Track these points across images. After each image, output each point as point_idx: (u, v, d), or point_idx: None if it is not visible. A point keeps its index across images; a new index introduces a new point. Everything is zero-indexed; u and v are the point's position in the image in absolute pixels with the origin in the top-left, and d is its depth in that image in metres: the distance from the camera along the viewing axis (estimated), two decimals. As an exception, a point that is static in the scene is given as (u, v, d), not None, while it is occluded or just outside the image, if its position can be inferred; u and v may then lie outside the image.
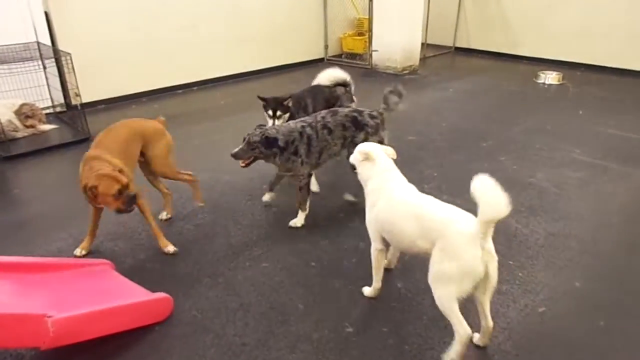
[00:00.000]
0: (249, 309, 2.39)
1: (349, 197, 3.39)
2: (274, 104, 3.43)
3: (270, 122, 3.44)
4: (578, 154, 4.15)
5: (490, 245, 1.94)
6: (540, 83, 6.50)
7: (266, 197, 3.39)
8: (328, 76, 3.99)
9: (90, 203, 2.56)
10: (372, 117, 3.13)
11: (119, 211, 2.51)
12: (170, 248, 2.81)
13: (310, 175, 3.14)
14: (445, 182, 3.66)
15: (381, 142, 3.03)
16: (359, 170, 2.37)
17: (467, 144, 4.42)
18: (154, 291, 2.36)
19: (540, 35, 7.51)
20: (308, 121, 3.04)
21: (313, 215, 3.18)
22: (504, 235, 2.99)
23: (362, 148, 2.35)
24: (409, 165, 3.94)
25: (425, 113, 5.32)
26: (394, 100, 3.22)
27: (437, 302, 1.97)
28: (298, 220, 3.12)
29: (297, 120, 3.10)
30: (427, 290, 2.03)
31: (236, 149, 2.85)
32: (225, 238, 2.99)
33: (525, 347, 2.16)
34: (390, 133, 4.58)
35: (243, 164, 2.90)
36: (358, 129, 3.08)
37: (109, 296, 2.21)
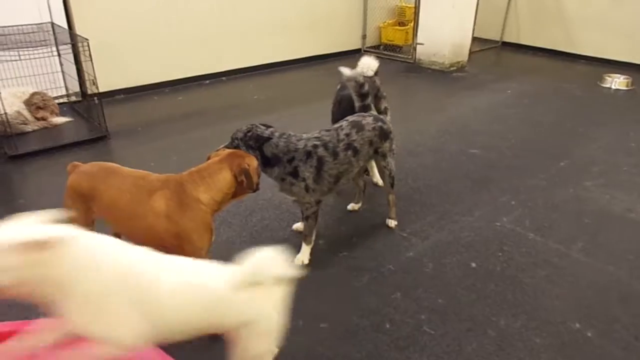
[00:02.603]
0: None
1: (353, 206, 3.05)
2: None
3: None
4: (677, 181, 3.52)
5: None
6: (606, 87, 5.80)
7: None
8: (369, 65, 3.35)
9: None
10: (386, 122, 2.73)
11: (256, 188, 2.01)
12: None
13: (318, 203, 2.49)
14: (528, 214, 3.04)
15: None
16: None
17: (542, 162, 3.79)
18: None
19: (603, 32, 6.75)
20: (325, 139, 2.40)
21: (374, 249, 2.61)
22: (617, 292, 2.39)
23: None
24: (478, 188, 3.35)
25: (486, 120, 4.68)
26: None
27: None
28: (302, 255, 2.55)
29: (312, 133, 2.43)
30: None
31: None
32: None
33: None
34: (450, 145, 4.02)
35: None
36: (383, 139, 2.64)
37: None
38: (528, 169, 3.65)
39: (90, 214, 2.00)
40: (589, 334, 2.14)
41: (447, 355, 2.00)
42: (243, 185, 1.92)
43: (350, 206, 3.06)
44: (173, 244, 1.84)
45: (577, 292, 2.40)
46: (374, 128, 2.56)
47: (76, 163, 2.09)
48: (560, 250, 2.70)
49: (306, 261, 2.54)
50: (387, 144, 2.67)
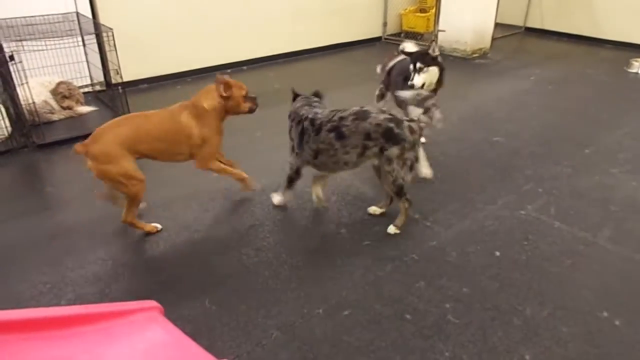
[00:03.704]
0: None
1: (375, 210, 2.91)
2: (415, 56, 3.07)
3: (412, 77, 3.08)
4: None
5: None
6: (633, 72, 5.65)
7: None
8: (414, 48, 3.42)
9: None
10: (412, 130, 2.47)
11: (251, 110, 2.89)
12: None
13: (297, 172, 2.80)
14: (554, 202, 2.99)
15: (416, 159, 2.59)
16: None
17: (566, 149, 3.72)
18: (213, 352, 1.84)
19: (629, 16, 6.56)
20: (319, 115, 2.59)
21: (399, 244, 2.61)
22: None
23: None
24: (501, 176, 3.31)
25: (509, 107, 4.60)
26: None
27: None
28: (275, 196, 2.98)
29: (320, 107, 2.72)
30: None
31: None
32: (290, 269, 2.45)
33: None
34: (472, 133, 3.96)
35: None
36: (391, 142, 2.46)
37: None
38: (552, 157, 3.59)
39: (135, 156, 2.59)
40: (617, 323, 2.11)
41: (472, 344, 1.99)
42: (229, 100, 2.75)
43: (372, 209, 2.89)
44: (200, 145, 2.71)
45: (604, 280, 2.36)
46: (378, 124, 2.43)
47: (84, 142, 2.51)
48: (586, 238, 2.66)
49: (275, 202, 2.97)
50: (395, 150, 2.45)
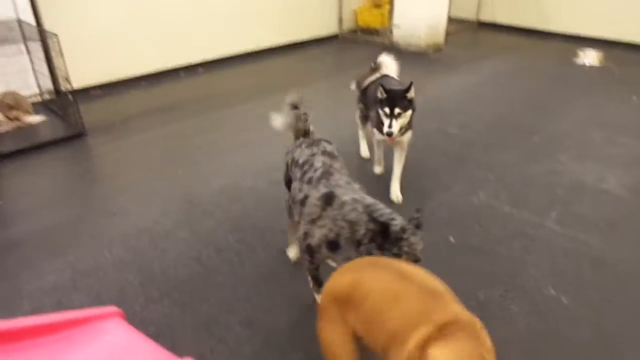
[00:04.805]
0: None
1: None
2: (392, 100, 2.72)
3: (386, 122, 2.74)
4: (647, 151, 3.63)
5: None
6: (579, 64, 5.91)
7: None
8: (390, 65, 3.28)
9: None
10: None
11: None
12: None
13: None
14: (503, 188, 3.12)
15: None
16: None
17: (517, 138, 3.87)
18: (177, 352, 1.84)
19: (575, 9, 6.87)
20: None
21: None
22: (588, 258, 2.49)
23: None
24: (455, 165, 3.42)
25: (463, 100, 4.75)
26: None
27: None
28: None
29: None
30: None
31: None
32: (251, 267, 2.47)
33: None
34: (427, 125, 4.07)
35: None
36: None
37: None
38: (503, 145, 3.73)
39: None
40: (563, 299, 2.23)
41: (428, 327, 2.07)
42: None
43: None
44: None
45: (552, 260, 2.49)
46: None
47: None
48: (535, 221, 2.79)
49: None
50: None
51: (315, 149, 2.11)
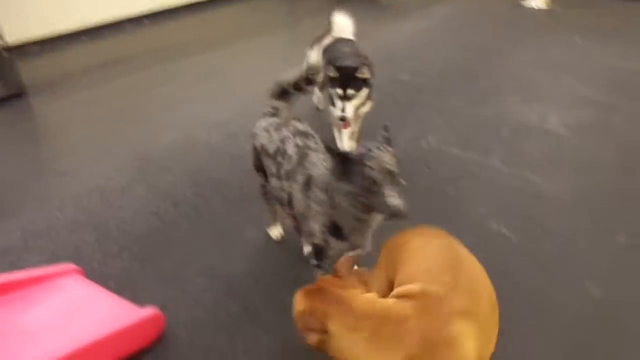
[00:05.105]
0: (257, 315, 1.98)
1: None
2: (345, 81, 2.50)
3: (339, 105, 2.58)
4: (586, 90, 3.79)
5: None
6: (527, 6, 6.01)
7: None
8: (345, 26, 3.09)
9: None
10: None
11: None
12: None
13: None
14: (452, 132, 3.23)
15: None
16: None
17: (466, 83, 3.97)
18: (138, 303, 1.89)
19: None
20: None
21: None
22: (529, 193, 2.65)
23: None
24: (406, 111, 3.50)
25: (416, 47, 4.78)
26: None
27: None
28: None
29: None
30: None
31: None
32: (209, 219, 2.50)
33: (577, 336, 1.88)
34: (381, 73, 4.09)
35: None
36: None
37: (86, 321, 1.72)
38: (453, 90, 3.82)
39: None
40: (505, 232, 2.38)
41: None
42: None
43: None
44: None
45: (495, 197, 2.63)
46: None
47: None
48: (481, 162, 2.92)
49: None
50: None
51: (285, 132, 1.85)
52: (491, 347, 1.29)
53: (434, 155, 2.98)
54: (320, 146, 1.80)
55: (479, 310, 1.21)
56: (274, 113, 2.00)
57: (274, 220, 2.33)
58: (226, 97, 3.58)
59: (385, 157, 1.50)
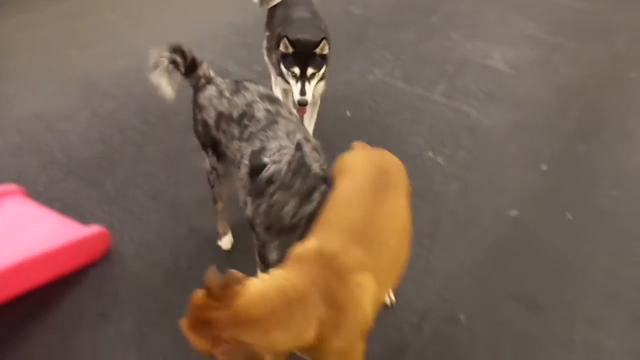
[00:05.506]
0: (200, 232, 2.09)
1: None
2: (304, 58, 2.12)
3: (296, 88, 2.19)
4: (531, 28, 3.91)
5: None
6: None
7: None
8: None
9: None
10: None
11: None
12: None
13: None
14: (399, 66, 3.31)
15: None
16: None
17: (415, 18, 3.99)
18: (84, 222, 1.96)
19: None
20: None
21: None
22: (466, 126, 2.81)
23: None
24: (355, 45, 3.54)
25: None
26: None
27: None
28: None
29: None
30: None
31: None
32: (156, 145, 2.54)
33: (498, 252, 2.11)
34: (333, 6, 4.07)
35: None
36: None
37: (29, 237, 1.79)
38: (402, 25, 3.86)
39: None
40: (439, 160, 2.55)
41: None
42: None
43: None
44: None
45: (434, 129, 2.79)
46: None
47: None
48: (423, 95, 3.04)
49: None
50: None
51: (250, 96, 1.68)
52: (390, 285, 1.42)
53: (380, 88, 3.07)
54: (295, 117, 1.70)
55: (377, 257, 1.25)
56: (209, 80, 1.84)
57: (223, 228, 2.04)
58: (172, 26, 3.49)
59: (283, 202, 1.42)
